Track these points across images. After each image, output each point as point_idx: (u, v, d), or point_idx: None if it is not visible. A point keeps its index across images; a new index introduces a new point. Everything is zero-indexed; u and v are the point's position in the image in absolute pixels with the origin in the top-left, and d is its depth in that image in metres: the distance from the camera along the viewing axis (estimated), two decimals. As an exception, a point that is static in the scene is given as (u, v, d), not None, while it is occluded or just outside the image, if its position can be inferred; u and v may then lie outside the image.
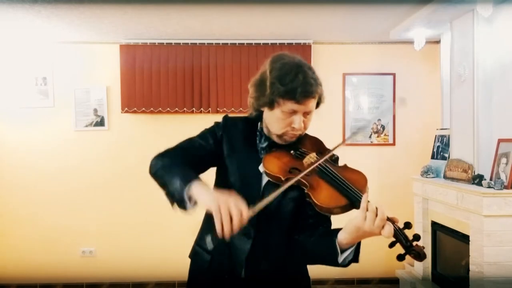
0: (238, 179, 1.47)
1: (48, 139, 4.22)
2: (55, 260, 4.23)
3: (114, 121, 4.23)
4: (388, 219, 1.24)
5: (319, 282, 4.30)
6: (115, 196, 4.21)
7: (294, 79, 1.35)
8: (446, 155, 3.62)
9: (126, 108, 4.10)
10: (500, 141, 2.99)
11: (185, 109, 4.10)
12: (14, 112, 4.21)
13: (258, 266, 1.46)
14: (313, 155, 1.42)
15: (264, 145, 1.50)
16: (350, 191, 1.31)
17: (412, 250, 1.24)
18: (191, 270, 1.61)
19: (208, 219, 1.55)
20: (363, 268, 4.33)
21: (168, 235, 4.19)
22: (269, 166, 1.39)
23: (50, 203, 4.22)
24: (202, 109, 4.10)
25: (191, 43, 4.11)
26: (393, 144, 4.33)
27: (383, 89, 4.30)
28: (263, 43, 4.13)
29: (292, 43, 4.15)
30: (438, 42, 4.14)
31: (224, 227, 1.20)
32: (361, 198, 1.28)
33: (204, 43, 4.11)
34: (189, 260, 1.64)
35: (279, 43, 4.14)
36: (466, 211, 3.02)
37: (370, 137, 4.32)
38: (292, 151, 1.45)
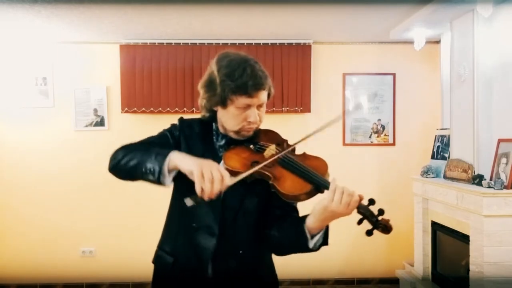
0: None
1: (48, 139, 4.22)
2: (55, 260, 4.23)
3: (114, 121, 4.23)
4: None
5: (319, 282, 4.31)
6: (115, 196, 4.21)
7: (243, 74, 1.36)
8: (446, 155, 3.62)
9: (126, 108, 4.10)
10: (500, 141, 2.99)
11: (185, 109, 4.10)
12: (14, 112, 4.21)
13: (225, 264, 1.46)
14: (273, 147, 1.44)
15: (222, 143, 1.50)
16: (314, 177, 1.35)
17: (379, 224, 1.31)
18: (155, 274, 1.59)
19: (169, 223, 1.57)
20: (363, 268, 4.33)
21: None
22: (230, 162, 1.40)
23: (50, 203, 4.22)
24: (202, 109, 4.10)
25: (191, 43, 4.11)
26: (393, 144, 4.33)
27: (383, 89, 4.30)
28: (263, 43, 4.13)
29: (292, 43, 4.15)
30: (438, 42, 4.14)
31: (204, 188, 1.22)
32: (324, 182, 1.34)
33: (204, 43, 4.11)
34: None
35: (279, 43, 4.14)
36: (466, 211, 3.02)
37: (370, 137, 4.32)
38: (251, 146, 1.47)
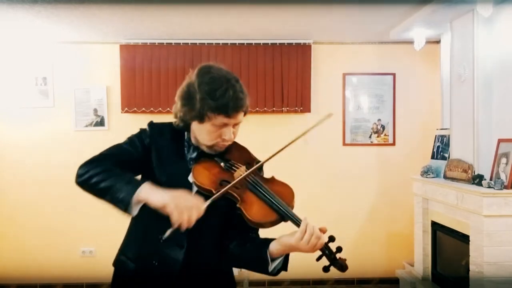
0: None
1: (48, 139, 4.22)
2: (55, 260, 4.23)
3: (114, 121, 4.23)
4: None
5: (319, 282, 4.31)
6: (115, 196, 4.20)
7: (224, 94, 1.36)
8: (446, 155, 3.62)
9: (126, 108, 4.10)
10: (500, 141, 2.99)
11: (185, 109, 4.10)
12: (14, 112, 4.21)
13: (193, 275, 1.48)
14: (243, 169, 1.45)
15: (194, 155, 1.49)
16: (280, 207, 1.38)
17: (336, 262, 1.40)
18: (114, 278, 1.60)
19: (133, 230, 1.59)
20: (363, 268, 4.33)
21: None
22: (199, 178, 1.41)
23: (50, 203, 4.22)
24: (202, 109, 4.10)
25: (191, 43, 4.11)
26: (393, 144, 4.33)
27: (383, 89, 4.30)
28: (263, 43, 4.13)
29: (292, 43, 4.15)
30: (438, 42, 4.14)
31: (183, 222, 1.26)
32: (296, 219, 1.37)
33: (204, 43, 4.11)
34: None
35: (279, 43, 4.14)
36: (466, 211, 3.02)
37: (370, 137, 4.32)
38: (222, 163, 1.47)
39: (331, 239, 1.39)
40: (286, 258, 1.43)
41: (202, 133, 1.44)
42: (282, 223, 1.40)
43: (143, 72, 4.09)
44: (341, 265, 1.39)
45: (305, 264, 4.22)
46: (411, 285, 3.81)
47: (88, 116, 4.22)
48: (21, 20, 3.49)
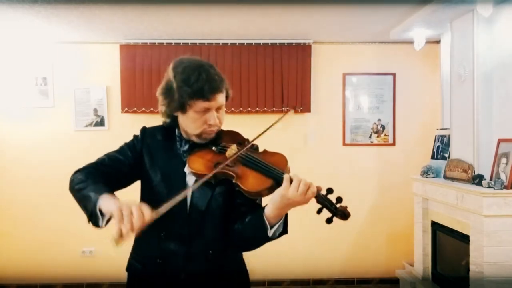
0: (164, 188, 1.48)
1: (48, 139, 4.22)
2: (55, 260, 4.23)
3: (114, 121, 4.23)
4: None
5: (319, 282, 4.30)
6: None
7: (198, 78, 1.39)
8: (446, 155, 3.62)
9: (126, 108, 4.10)
10: (500, 141, 2.99)
11: (185, 109, 4.10)
12: (14, 112, 4.21)
13: (197, 266, 1.48)
14: (234, 147, 1.48)
15: (185, 148, 1.52)
16: (274, 172, 1.40)
17: (338, 211, 1.38)
18: (127, 282, 1.62)
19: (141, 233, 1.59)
20: (363, 268, 4.33)
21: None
22: (194, 166, 1.44)
23: (50, 203, 4.22)
24: (202, 109, 4.09)
25: (191, 43, 4.11)
26: (393, 144, 4.33)
27: (383, 89, 4.30)
28: (263, 43, 4.13)
29: (292, 43, 4.15)
30: (438, 42, 4.14)
31: (123, 228, 1.25)
32: (282, 175, 1.37)
33: (204, 43, 4.11)
34: None
35: (279, 43, 4.14)
36: (466, 211, 3.02)
37: (370, 137, 4.32)
38: (214, 147, 1.50)
39: (329, 191, 1.38)
40: (285, 221, 1.42)
41: (187, 123, 1.46)
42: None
43: (143, 72, 4.09)
44: (343, 213, 1.37)
45: (305, 264, 4.24)
46: (411, 285, 3.81)
47: (88, 116, 4.22)
48: (21, 20, 3.49)
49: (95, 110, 4.22)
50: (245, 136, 1.58)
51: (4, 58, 4.21)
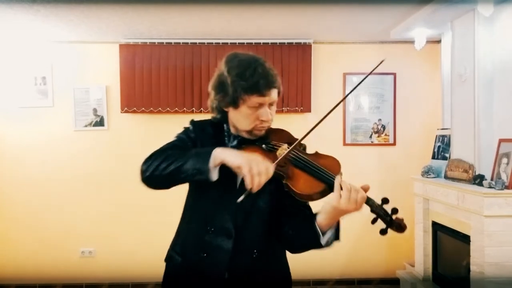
0: (215, 181, 1.46)
1: (48, 139, 4.21)
2: (54, 260, 4.22)
3: (114, 121, 4.22)
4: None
5: (320, 283, 4.30)
6: (114, 196, 4.20)
7: (254, 73, 1.37)
8: (447, 155, 3.61)
9: (125, 108, 4.09)
10: (501, 141, 2.98)
11: (185, 109, 4.09)
12: (13, 111, 4.20)
13: (241, 264, 1.46)
14: (285, 146, 1.44)
15: (234, 143, 1.50)
16: (326, 176, 1.36)
17: (393, 223, 1.34)
18: (165, 274, 1.61)
19: (182, 224, 1.60)
20: (363, 268, 4.32)
21: (168, 235, 4.16)
22: None
23: (49, 203, 4.21)
24: (202, 109, 4.09)
25: (191, 43, 4.10)
26: (394, 144, 4.32)
27: (384, 89, 4.29)
28: (263, 43, 4.12)
29: (292, 43, 4.14)
30: (438, 42, 4.13)
31: (254, 182, 1.25)
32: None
33: (204, 43, 4.10)
34: None
35: (279, 43, 4.13)
36: (467, 211, 3.01)
37: (370, 137, 4.31)
38: (263, 145, 1.47)
39: (385, 201, 1.35)
40: (337, 227, 1.40)
41: (239, 119, 1.44)
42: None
43: (142, 71, 4.08)
44: (399, 225, 1.34)
45: (305, 264, 4.22)
46: (411, 285, 3.80)
47: (87, 116, 4.21)
48: (20, 19, 3.48)
49: (95, 110, 4.21)
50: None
51: (3, 58, 4.20)
